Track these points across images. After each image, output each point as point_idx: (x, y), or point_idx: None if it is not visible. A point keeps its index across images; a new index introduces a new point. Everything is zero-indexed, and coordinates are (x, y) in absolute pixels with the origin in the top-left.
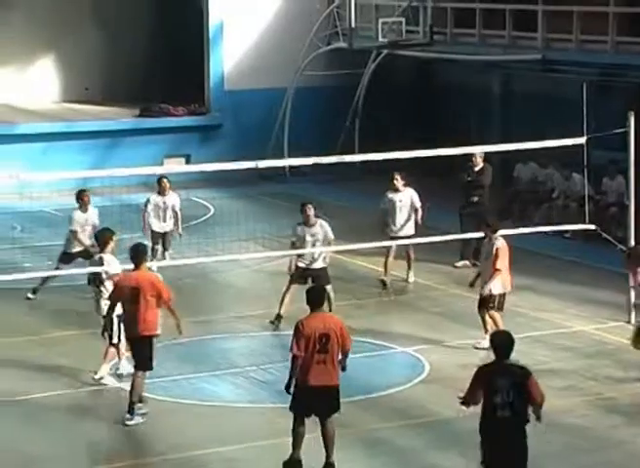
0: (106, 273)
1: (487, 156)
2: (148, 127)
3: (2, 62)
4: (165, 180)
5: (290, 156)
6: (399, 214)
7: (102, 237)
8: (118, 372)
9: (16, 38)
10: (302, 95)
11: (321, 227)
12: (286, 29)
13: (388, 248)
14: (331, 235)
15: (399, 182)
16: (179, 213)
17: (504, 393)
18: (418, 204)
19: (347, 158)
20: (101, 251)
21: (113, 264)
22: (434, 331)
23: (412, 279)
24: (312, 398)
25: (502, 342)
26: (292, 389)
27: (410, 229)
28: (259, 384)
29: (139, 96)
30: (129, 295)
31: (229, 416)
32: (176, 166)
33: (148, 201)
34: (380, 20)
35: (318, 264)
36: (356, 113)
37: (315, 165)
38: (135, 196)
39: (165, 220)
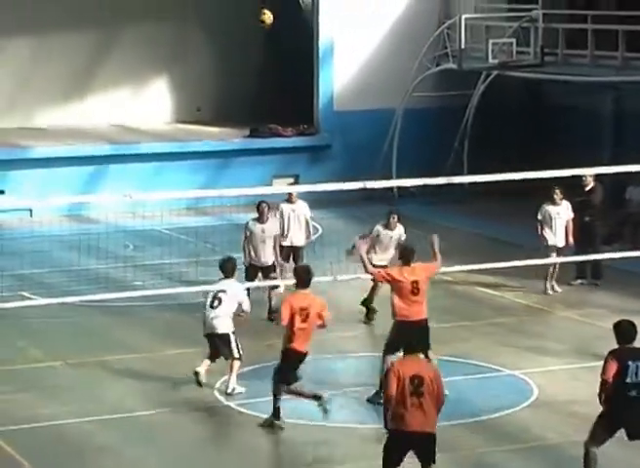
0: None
1: (598, 177)
2: (258, 147)
3: (115, 83)
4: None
5: (398, 177)
6: (555, 226)
7: (229, 264)
8: (228, 391)
9: (128, 59)
10: (411, 116)
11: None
12: (395, 50)
13: (551, 255)
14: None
15: (558, 196)
16: (309, 221)
17: (635, 374)
18: (571, 215)
19: (456, 179)
20: (229, 277)
21: (237, 289)
22: (543, 354)
23: (557, 289)
24: (407, 444)
25: (628, 328)
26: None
27: (561, 241)
28: (366, 405)
29: (249, 116)
30: (298, 314)
31: (337, 437)
32: (284, 186)
33: (277, 208)
34: (491, 41)
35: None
36: (465, 134)
37: (424, 186)
38: (244, 216)
39: (294, 232)
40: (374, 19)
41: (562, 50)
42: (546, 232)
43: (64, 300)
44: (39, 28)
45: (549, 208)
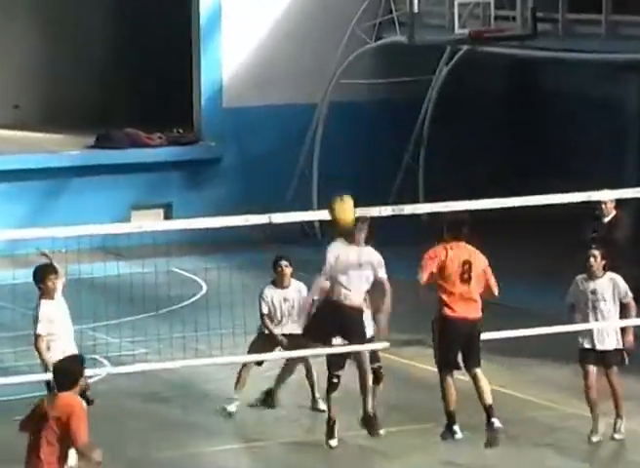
0: None
1: (620, 202)
2: (108, 163)
3: None
4: (284, 264)
5: (321, 207)
6: (597, 316)
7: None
8: None
9: None
10: (340, 113)
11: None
12: (313, 18)
13: (587, 370)
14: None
15: (596, 263)
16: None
17: None
18: (629, 296)
19: (408, 208)
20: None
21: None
22: None
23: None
24: None
25: None
26: None
27: (611, 342)
28: None
29: (94, 117)
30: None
31: None
32: (149, 222)
33: (262, 297)
34: (457, 3)
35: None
36: (421, 141)
37: (359, 218)
38: (89, 266)
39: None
40: None
41: (563, 14)
42: (580, 324)
43: None
44: None
45: (584, 284)
